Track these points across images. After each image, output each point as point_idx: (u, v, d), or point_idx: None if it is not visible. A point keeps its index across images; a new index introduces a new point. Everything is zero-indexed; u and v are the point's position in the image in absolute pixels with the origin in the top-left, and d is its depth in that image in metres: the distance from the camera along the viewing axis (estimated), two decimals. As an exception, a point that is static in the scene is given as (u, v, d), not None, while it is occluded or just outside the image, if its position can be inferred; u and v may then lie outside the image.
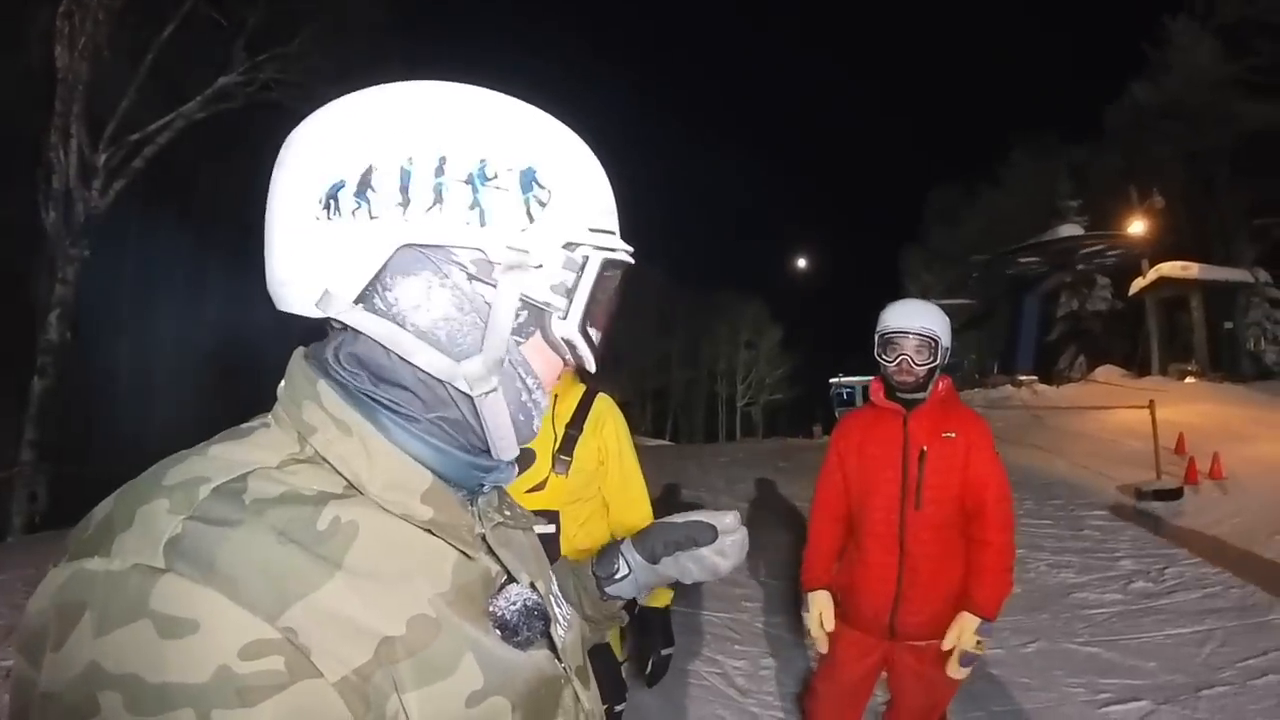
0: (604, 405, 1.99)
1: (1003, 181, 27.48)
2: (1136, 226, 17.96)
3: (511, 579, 0.62)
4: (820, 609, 2.33)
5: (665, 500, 7.68)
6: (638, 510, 2.01)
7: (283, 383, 0.60)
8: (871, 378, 2.38)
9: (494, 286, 0.56)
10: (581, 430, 1.92)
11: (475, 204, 0.55)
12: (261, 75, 9.85)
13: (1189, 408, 10.25)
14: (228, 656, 0.43)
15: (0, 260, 11.95)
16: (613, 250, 0.61)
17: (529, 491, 1.87)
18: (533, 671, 0.60)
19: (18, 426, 9.52)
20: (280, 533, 0.49)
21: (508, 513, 0.68)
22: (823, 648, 2.34)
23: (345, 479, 0.55)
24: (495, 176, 0.56)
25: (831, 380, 22.99)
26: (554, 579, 0.75)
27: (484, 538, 0.62)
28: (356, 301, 0.56)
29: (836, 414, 19.80)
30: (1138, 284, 18.06)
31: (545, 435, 1.90)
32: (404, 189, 0.54)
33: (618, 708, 1.94)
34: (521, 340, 0.59)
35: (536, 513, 1.82)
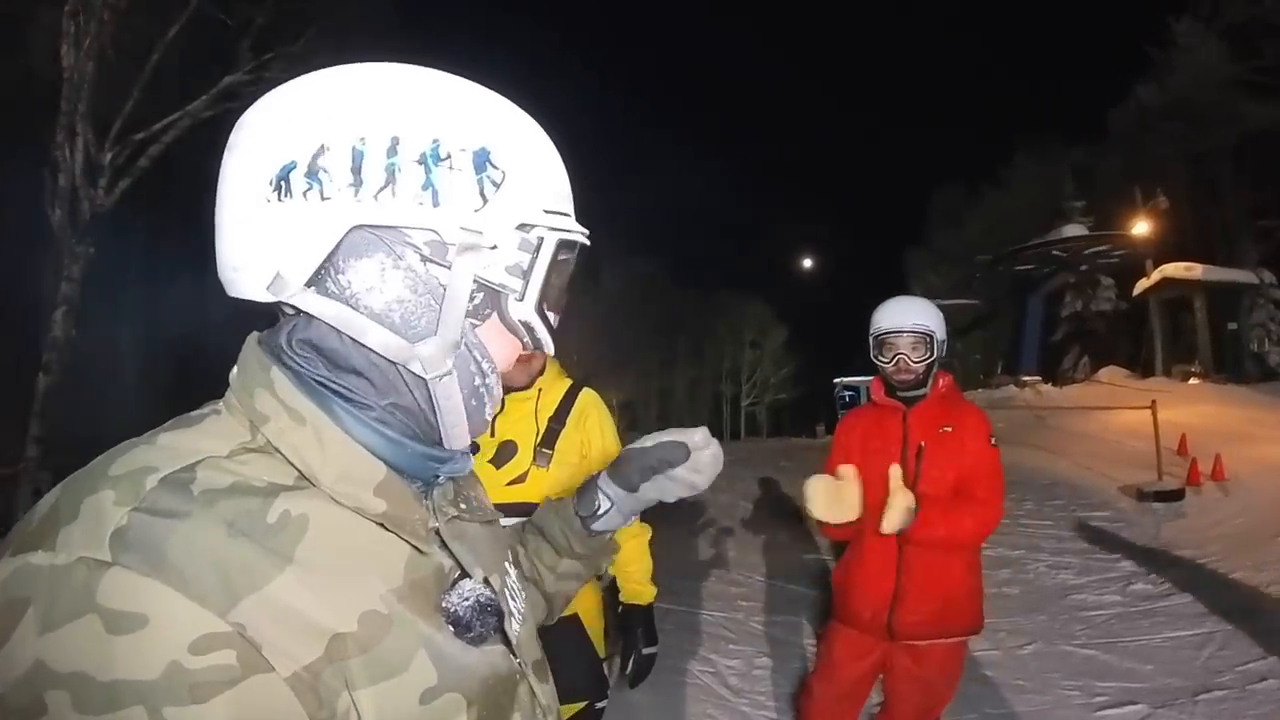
0: (588, 399, 1.98)
1: (1006, 183, 27.40)
2: (1140, 227, 17.90)
3: (465, 574, 0.61)
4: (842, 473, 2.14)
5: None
6: None
7: (235, 369, 0.59)
8: (874, 377, 2.37)
9: (448, 268, 0.56)
10: (564, 424, 1.91)
11: (428, 184, 0.54)
12: (267, 74, 9.81)
13: (1192, 409, 10.22)
14: (178, 652, 0.42)
15: (6, 258, 12.02)
16: (567, 231, 0.61)
17: (510, 484, 1.86)
18: (487, 668, 0.59)
19: (23, 423, 9.58)
20: (230, 524, 0.48)
21: (463, 505, 0.67)
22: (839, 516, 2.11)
23: (297, 469, 0.54)
24: (448, 157, 0.55)
25: (836, 380, 22.96)
26: (510, 572, 0.74)
27: (438, 531, 0.61)
28: (309, 285, 0.55)
29: (839, 416, 19.79)
30: (1142, 285, 17.99)
31: (528, 428, 1.90)
32: (356, 169, 0.53)
33: (598, 705, 1.92)
34: (477, 323, 0.59)
35: (517, 505, 1.81)
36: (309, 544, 0.50)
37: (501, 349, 0.61)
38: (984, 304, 24.02)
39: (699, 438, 0.84)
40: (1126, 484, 7.52)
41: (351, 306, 0.55)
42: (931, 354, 2.20)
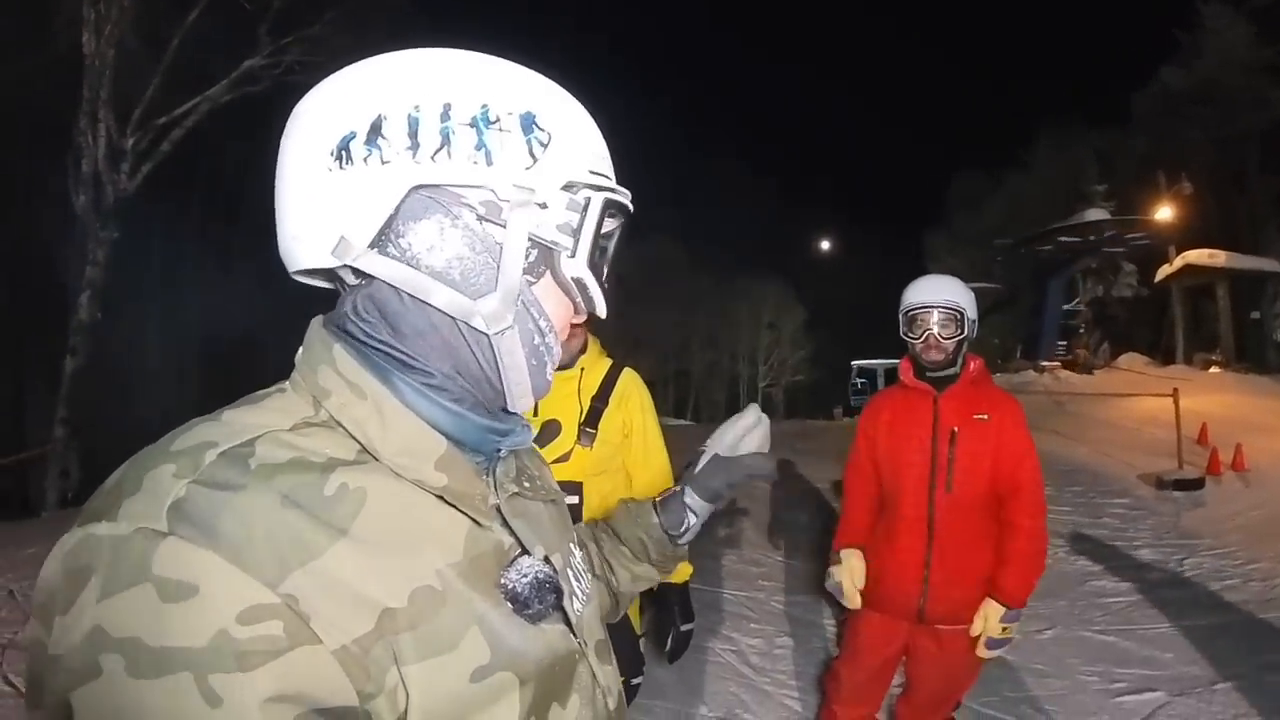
0: (630, 379, 2.00)
1: (1027, 166, 27.06)
2: (1163, 213, 17.62)
3: (525, 551, 0.62)
4: (852, 566, 2.29)
5: None
6: (662, 481, 2.01)
7: (301, 349, 0.61)
8: (892, 361, 2.37)
9: (503, 226, 0.57)
10: (607, 403, 1.93)
11: (481, 145, 0.56)
12: (286, 58, 9.93)
13: (1213, 398, 10.13)
14: (226, 621, 0.43)
15: (32, 243, 12.20)
16: (613, 191, 0.62)
17: (553, 462, 1.87)
18: (544, 647, 0.59)
19: (50, 405, 9.77)
20: (285, 497, 0.48)
21: (526, 484, 0.68)
22: (854, 604, 2.29)
23: (359, 443, 0.55)
24: (498, 120, 0.57)
25: (854, 363, 22.77)
26: (575, 552, 0.74)
27: (498, 508, 0.62)
28: (371, 247, 0.57)
29: (852, 402, 19.71)
30: (1164, 271, 17.75)
31: (571, 407, 1.92)
32: (412, 134, 0.55)
33: (634, 681, 1.97)
34: (533, 280, 0.60)
35: (561, 484, 1.85)
36: (365, 517, 0.51)
37: (556, 308, 0.62)
38: (1004, 288, 23.79)
39: (753, 420, 0.96)
40: (1146, 472, 7.48)
41: (413, 267, 0.57)
42: (961, 332, 2.16)
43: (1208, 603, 4.28)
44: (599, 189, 0.61)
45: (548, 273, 0.61)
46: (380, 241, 0.57)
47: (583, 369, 1.97)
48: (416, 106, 0.55)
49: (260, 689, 0.43)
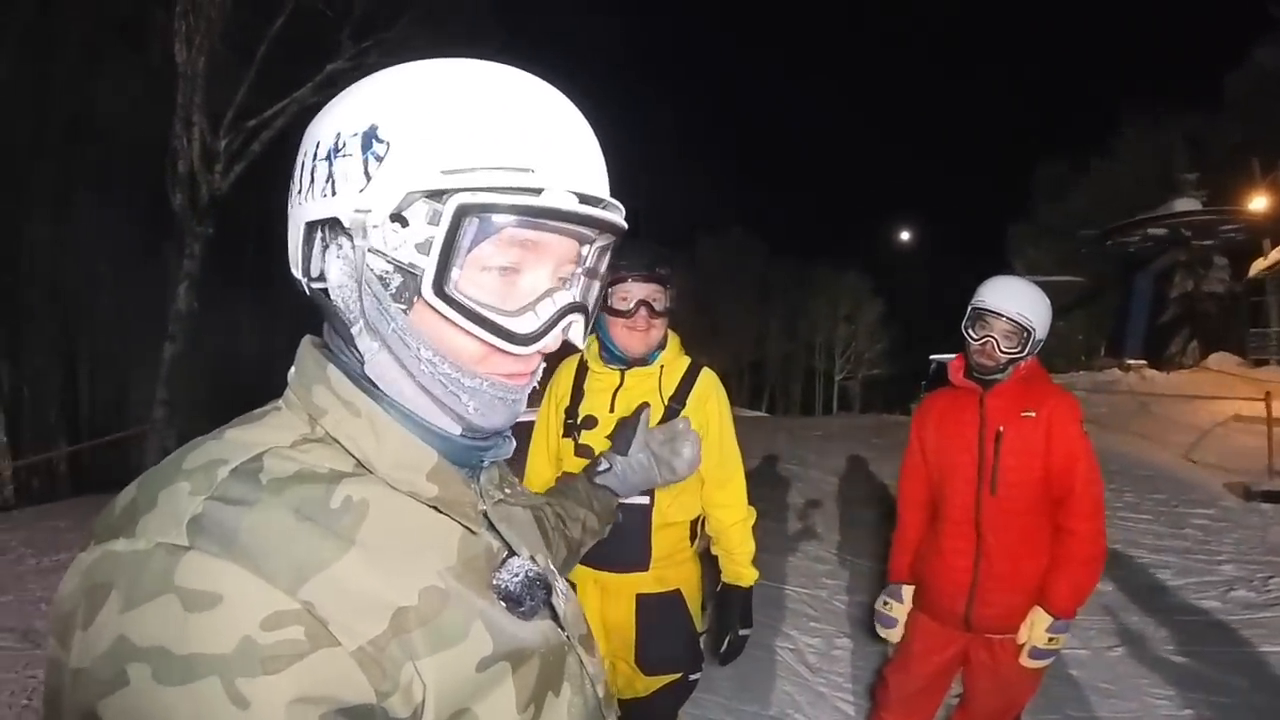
0: (709, 380, 1.96)
1: (1114, 153, 25.67)
2: (1258, 203, 16.52)
3: (513, 553, 0.64)
4: (910, 606, 2.29)
5: (762, 470, 7.69)
6: (732, 487, 1.98)
7: (292, 369, 0.63)
8: (956, 355, 2.23)
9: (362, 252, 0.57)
10: (684, 404, 1.89)
11: (329, 176, 0.57)
12: (367, 60, 10.30)
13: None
14: (250, 627, 0.45)
15: (134, 239, 13.08)
16: (482, 192, 0.53)
17: None
18: (539, 640, 0.63)
19: (150, 387, 10.50)
20: (296, 510, 0.51)
21: (509, 490, 0.70)
22: (895, 638, 2.33)
23: (355, 458, 0.57)
24: (344, 145, 0.56)
25: (932, 357, 22.21)
26: (551, 555, 0.77)
27: (486, 514, 0.65)
28: (307, 279, 0.61)
29: (922, 396, 19.18)
30: (1258, 265, 16.63)
31: (652, 407, 1.90)
32: (299, 177, 0.59)
33: (692, 677, 1.97)
34: (405, 307, 0.56)
35: None
36: (370, 527, 0.54)
37: (445, 337, 0.57)
38: (1088, 281, 22.75)
39: (682, 426, 1.17)
40: (1233, 481, 7.12)
41: (324, 294, 0.60)
42: (1023, 351, 2.05)
43: (1294, 626, 4.06)
44: (456, 189, 0.53)
45: (419, 298, 0.55)
46: (309, 273, 0.61)
47: (663, 366, 1.94)
48: (304, 152, 0.60)
49: (285, 691, 0.45)
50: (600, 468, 1.14)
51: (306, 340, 0.64)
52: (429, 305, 0.55)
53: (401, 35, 10.62)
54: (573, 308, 0.60)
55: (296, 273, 0.61)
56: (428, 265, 0.54)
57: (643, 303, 1.82)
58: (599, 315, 1.85)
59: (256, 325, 14.66)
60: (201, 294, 10.25)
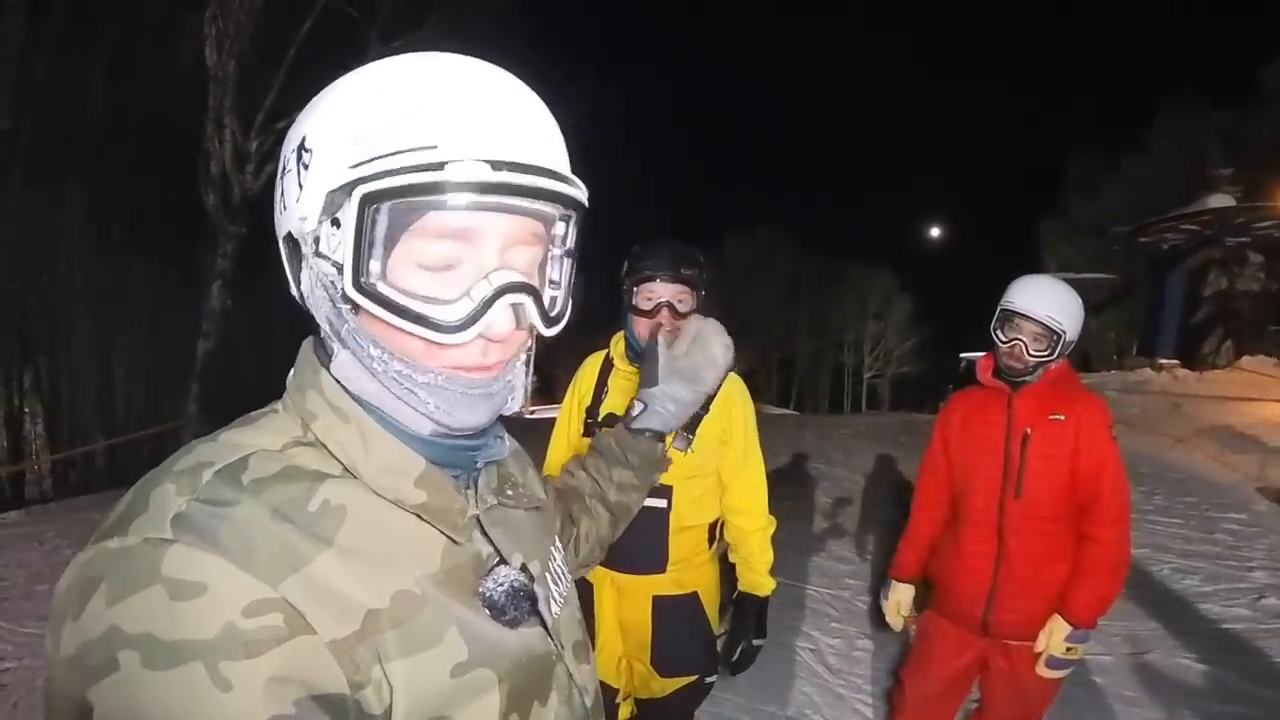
0: (735, 386, 1.96)
1: (1147, 148, 25.19)
2: (1297, 198, 16.13)
3: (502, 560, 0.65)
4: (899, 599, 2.32)
5: (788, 469, 7.66)
6: (754, 494, 1.99)
7: (292, 372, 0.65)
8: (984, 354, 2.20)
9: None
10: (708, 409, 1.89)
11: (283, 192, 0.60)
12: (397, 60, 10.48)
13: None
14: (233, 614, 0.47)
15: (168, 239, 13.35)
16: (382, 178, 0.53)
17: None
18: (521, 649, 0.63)
19: (184, 383, 10.75)
20: (274, 510, 0.52)
21: (510, 493, 0.70)
22: (897, 627, 2.38)
23: (342, 464, 0.59)
24: (286, 163, 0.60)
25: (962, 356, 21.93)
26: (555, 556, 0.76)
27: (478, 519, 0.65)
28: (298, 290, 0.63)
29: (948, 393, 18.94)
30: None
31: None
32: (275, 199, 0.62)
33: (708, 680, 1.99)
34: (354, 307, 0.59)
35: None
36: (348, 530, 0.55)
37: (387, 332, 0.57)
38: (1120, 279, 22.32)
39: (697, 325, 1.05)
40: (1267, 485, 6.96)
41: (308, 304, 0.62)
42: (1052, 354, 2.01)
43: (1327, 636, 3.96)
44: (365, 178, 0.53)
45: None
46: (297, 284, 0.62)
47: None
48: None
49: (265, 671, 0.47)
50: (635, 412, 1.03)
51: (307, 343, 0.65)
52: (359, 300, 0.55)
53: (431, 35, 10.75)
54: (512, 287, 0.57)
55: (291, 288, 0.63)
56: (345, 261, 0.55)
57: (666, 303, 1.81)
58: (625, 314, 1.88)
59: (287, 322, 14.92)
60: (233, 291, 10.46)
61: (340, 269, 0.56)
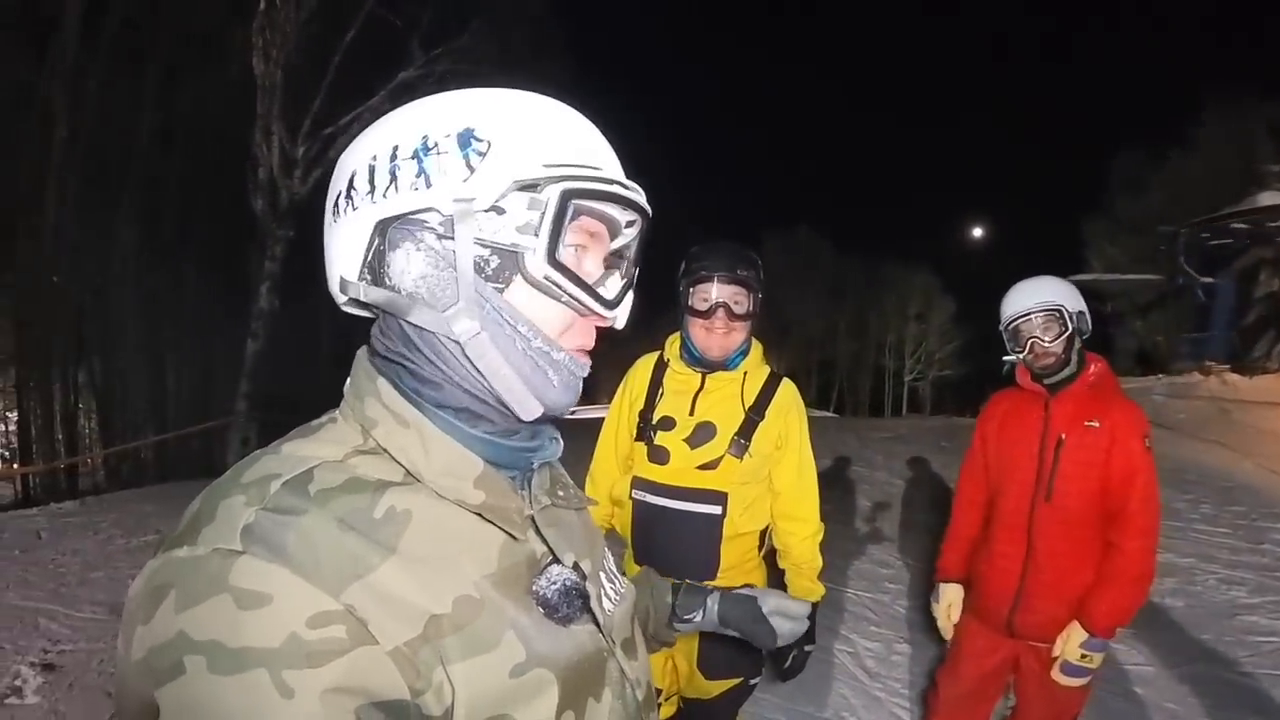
0: (789, 392, 1.96)
1: (1195, 144, 24.39)
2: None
3: (556, 559, 0.67)
4: (949, 601, 2.30)
5: (829, 472, 7.62)
6: (807, 501, 1.98)
7: (348, 381, 0.67)
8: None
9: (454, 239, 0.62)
10: (764, 415, 1.89)
11: (420, 172, 0.61)
12: (438, 68, 10.69)
13: None
14: (297, 625, 0.49)
15: (218, 242, 13.80)
16: (573, 180, 0.62)
17: (700, 468, 1.87)
18: (574, 647, 0.65)
19: (233, 381, 11.08)
20: (340, 520, 0.55)
21: (561, 494, 0.73)
22: (947, 634, 2.35)
23: (404, 468, 0.61)
24: (435, 145, 0.61)
25: (1005, 359, 21.52)
26: (608, 556, 0.80)
27: (533, 519, 0.67)
28: (362, 280, 0.65)
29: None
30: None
31: (730, 412, 1.89)
32: (370, 179, 0.63)
33: (751, 682, 2.00)
34: (502, 286, 0.62)
35: (706, 492, 1.86)
36: (411, 536, 0.57)
37: (540, 311, 0.64)
38: (1167, 280, 21.73)
39: (799, 611, 1.07)
40: (1321, 495, 6.78)
41: (395, 291, 0.63)
42: (1066, 328, 2.01)
43: (1378, 651, 3.85)
44: (558, 179, 0.61)
45: (518, 276, 0.63)
46: (370, 274, 0.64)
47: (745, 373, 1.93)
48: (374, 156, 0.64)
49: (326, 681, 0.49)
50: (690, 614, 1.05)
51: (361, 353, 0.68)
52: (532, 280, 0.62)
53: (472, 42, 10.95)
54: (629, 286, 0.70)
55: (350, 278, 0.65)
56: (536, 243, 0.61)
57: (722, 304, 1.82)
58: (681, 315, 1.89)
59: (333, 323, 15.25)
60: (281, 292, 10.75)
61: (499, 250, 0.62)
